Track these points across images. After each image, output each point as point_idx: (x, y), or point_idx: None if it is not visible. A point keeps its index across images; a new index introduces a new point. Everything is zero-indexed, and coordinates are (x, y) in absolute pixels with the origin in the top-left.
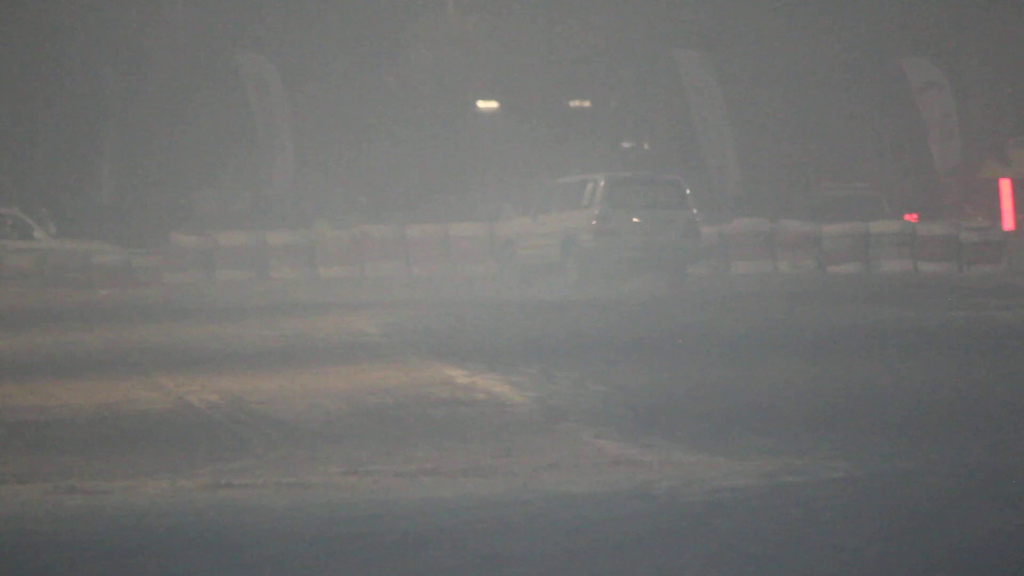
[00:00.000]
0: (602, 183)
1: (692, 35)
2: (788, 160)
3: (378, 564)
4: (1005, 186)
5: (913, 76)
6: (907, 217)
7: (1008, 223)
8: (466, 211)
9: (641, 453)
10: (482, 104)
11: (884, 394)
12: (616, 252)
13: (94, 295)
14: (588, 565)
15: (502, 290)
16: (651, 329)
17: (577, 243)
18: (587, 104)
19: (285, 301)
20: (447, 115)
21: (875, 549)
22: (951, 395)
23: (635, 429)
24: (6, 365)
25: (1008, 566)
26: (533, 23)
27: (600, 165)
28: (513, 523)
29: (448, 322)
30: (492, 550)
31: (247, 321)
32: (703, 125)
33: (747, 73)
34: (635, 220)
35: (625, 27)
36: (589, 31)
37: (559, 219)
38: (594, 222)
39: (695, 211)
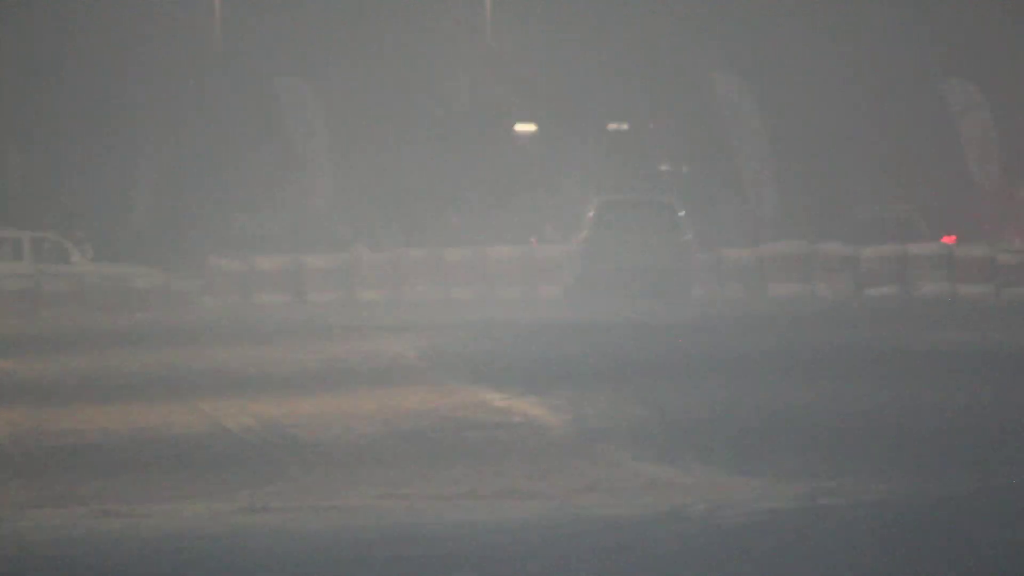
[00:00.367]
0: (593, 207)
1: (730, 58)
2: (826, 182)
3: None
4: None
5: (952, 98)
6: (945, 239)
7: None
8: (505, 233)
9: (677, 475)
10: (520, 127)
11: (920, 415)
12: (604, 275)
13: (131, 319)
14: None
15: (537, 312)
16: (683, 351)
17: (570, 266)
18: (625, 127)
19: (322, 324)
20: (485, 138)
21: (914, 573)
22: (988, 417)
23: (671, 450)
24: (44, 389)
25: None
26: (571, 46)
27: (638, 188)
28: (549, 546)
29: (484, 345)
30: (528, 573)
31: (284, 344)
32: (741, 148)
33: (785, 96)
34: (624, 243)
35: (664, 50)
36: (627, 54)
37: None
38: (582, 246)
39: (689, 234)
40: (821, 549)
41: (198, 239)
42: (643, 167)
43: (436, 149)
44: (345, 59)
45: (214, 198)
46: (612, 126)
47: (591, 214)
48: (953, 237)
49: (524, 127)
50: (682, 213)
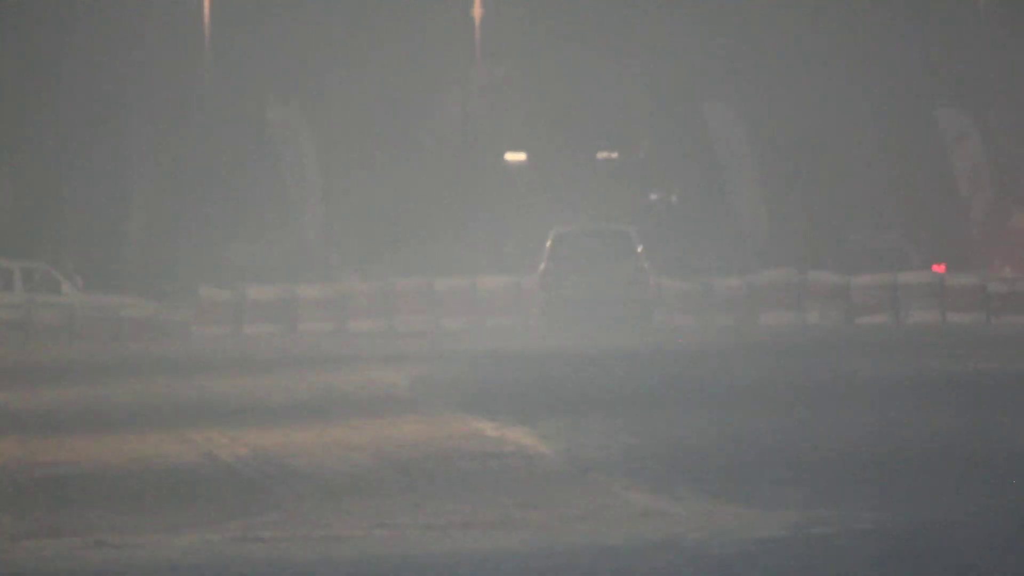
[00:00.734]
0: (550, 238)
1: (720, 87)
2: (816, 211)
3: None
4: None
5: (945, 127)
6: (935, 267)
7: None
8: (495, 263)
9: (670, 504)
10: (510, 156)
11: (910, 443)
12: (559, 304)
13: (122, 349)
14: None
15: (528, 342)
16: (673, 380)
17: (531, 296)
18: (615, 156)
19: (314, 354)
20: (476, 166)
21: None
22: (978, 445)
23: (663, 480)
24: (35, 419)
25: None
26: (561, 75)
27: (626, 217)
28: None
29: (476, 374)
30: None
31: (276, 375)
32: (731, 177)
33: (775, 125)
34: (579, 273)
35: (653, 79)
36: (617, 83)
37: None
38: (540, 277)
39: (645, 262)
40: None
41: (189, 269)
42: (632, 196)
43: (427, 178)
44: (337, 88)
45: (205, 228)
46: (602, 155)
47: (548, 244)
48: (943, 266)
49: (515, 156)
50: (638, 242)
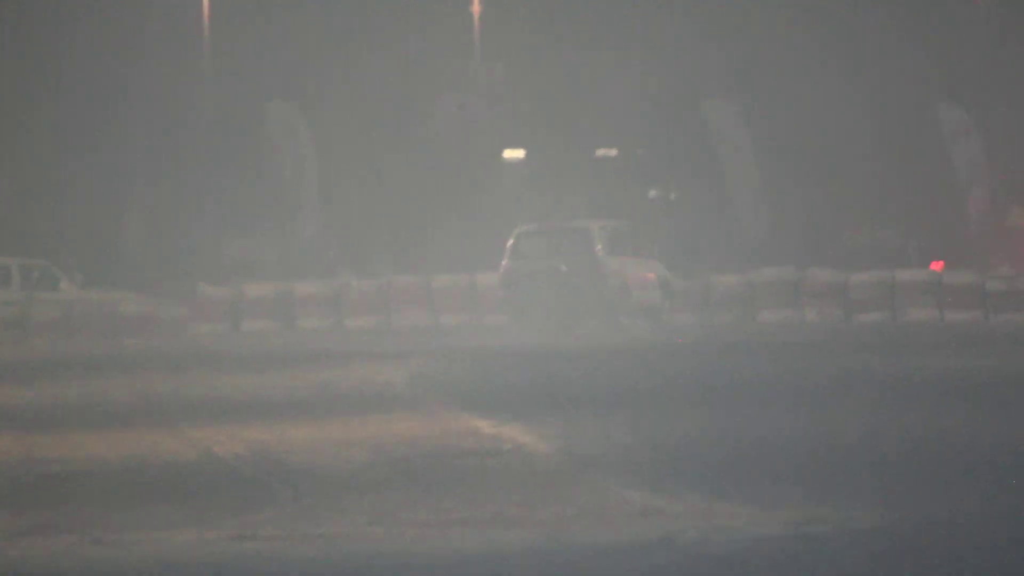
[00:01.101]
0: (512, 237)
1: (720, 84)
2: (815, 208)
3: None
4: None
5: (945, 123)
6: (933, 265)
7: None
8: (492, 261)
9: (666, 503)
10: (509, 153)
11: (908, 442)
12: (519, 302)
13: (120, 346)
14: None
15: (527, 339)
16: (671, 377)
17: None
18: (614, 153)
19: (311, 351)
20: (474, 164)
21: None
22: (976, 443)
23: (660, 478)
24: (32, 416)
25: None
26: (560, 73)
27: (625, 214)
28: (540, 574)
29: (474, 372)
30: None
31: (273, 371)
32: (731, 174)
33: (775, 122)
34: (536, 271)
35: (652, 77)
36: (616, 81)
37: None
38: (500, 275)
39: (606, 258)
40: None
41: (187, 266)
42: (631, 193)
43: (425, 176)
44: (335, 85)
45: (203, 225)
46: (601, 152)
47: (509, 243)
48: (941, 264)
49: (513, 153)
50: (599, 239)
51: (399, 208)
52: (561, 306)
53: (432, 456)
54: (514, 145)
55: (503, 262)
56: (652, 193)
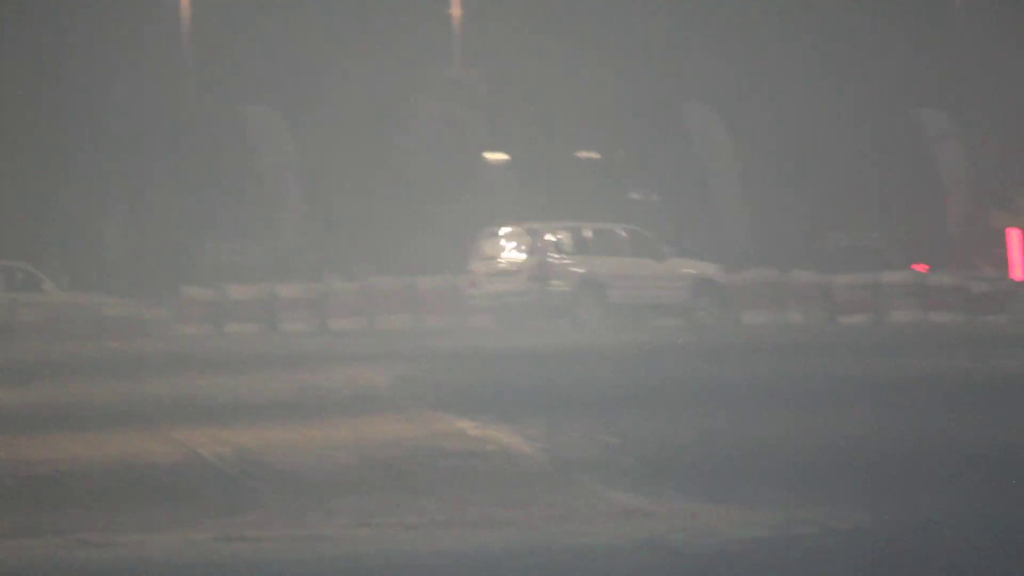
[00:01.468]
0: (477, 238)
1: (701, 87)
2: (798, 211)
3: None
4: (1013, 236)
5: (927, 127)
6: (916, 267)
7: (1017, 273)
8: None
9: (652, 504)
10: (490, 156)
11: (892, 444)
12: (477, 301)
13: (104, 348)
14: None
15: (511, 340)
16: (655, 379)
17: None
18: (595, 156)
19: (295, 353)
20: (455, 166)
21: None
22: (959, 445)
23: (645, 479)
24: (16, 418)
25: None
26: (540, 75)
27: (608, 217)
28: (524, 575)
29: (458, 373)
30: None
31: (257, 374)
32: (713, 176)
33: (756, 125)
34: (490, 272)
35: (634, 80)
36: (598, 83)
37: None
38: (465, 276)
39: (550, 256)
40: None
41: (170, 268)
42: (613, 196)
43: (407, 178)
44: (315, 87)
45: (187, 228)
46: (582, 155)
47: (475, 244)
48: (925, 266)
49: (494, 156)
50: (553, 239)
51: (381, 210)
52: (509, 305)
53: (416, 458)
54: (495, 148)
55: (470, 263)
56: (634, 195)
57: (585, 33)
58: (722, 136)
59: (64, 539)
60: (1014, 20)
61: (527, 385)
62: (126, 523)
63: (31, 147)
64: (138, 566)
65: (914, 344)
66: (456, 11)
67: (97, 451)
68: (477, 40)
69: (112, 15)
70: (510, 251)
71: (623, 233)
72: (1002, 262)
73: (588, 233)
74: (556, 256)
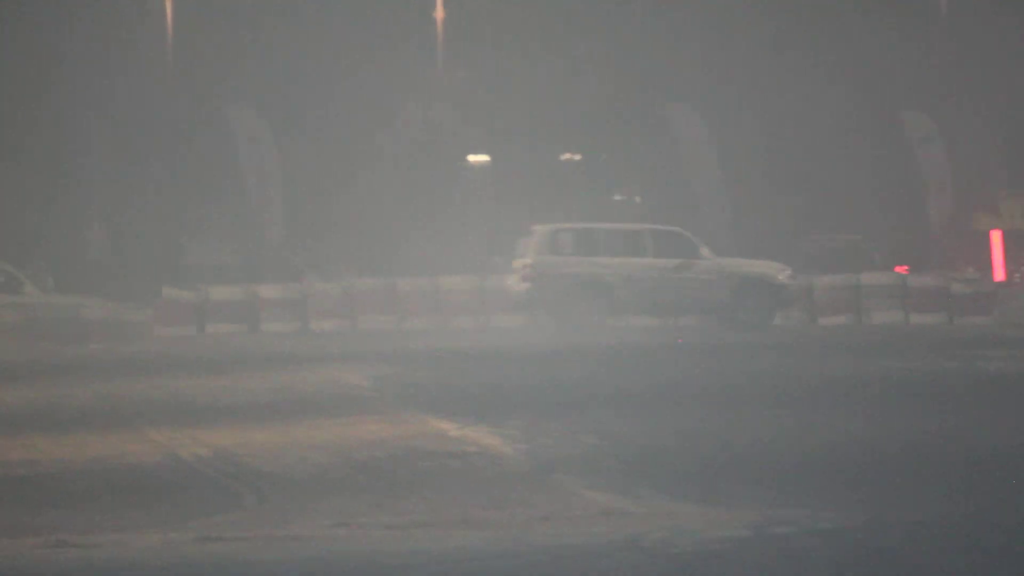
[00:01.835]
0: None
1: (684, 88)
2: (781, 212)
3: None
4: (996, 237)
5: (910, 129)
6: (898, 269)
7: (999, 274)
8: (456, 264)
9: (631, 504)
10: (473, 158)
11: (873, 445)
12: (523, 296)
13: (84, 349)
14: None
15: (491, 341)
16: (636, 379)
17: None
18: (578, 157)
19: (276, 354)
20: (438, 169)
21: None
22: (940, 446)
23: (625, 480)
24: None
25: None
26: (524, 77)
27: (591, 218)
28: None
29: (438, 374)
30: None
31: (237, 374)
32: (695, 177)
33: (739, 126)
34: (507, 271)
35: (617, 81)
36: (581, 85)
37: None
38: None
39: (530, 258)
40: None
41: (151, 270)
42: (596, 197)
43: (389, 180)
44: (297, 88)
45: (168, 229)
46: (565, 156)
47: (518, 243)
48: (906, 267)
49: (477, 158)
50: (544, 241)
51: (364, 212)
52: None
53: (396, 458)
54: (478, 150)
55: (527, 258)
56: (617, 197)
57: (567, 35)
58: (705, 137)
59: (43, 540)
60: (998, 22)
61: (508, 385)
62: (105, 524)
63: (15, 150)
64: (117, 567)
65: (895, 345)
66: (440, 14)
67: (77, 452)
68: (462, 43)
69: (96, 17)
70: (526, 249)
71: (652, 233)
72: (985, 264)
73: (607, 233)
74: (556, 256)
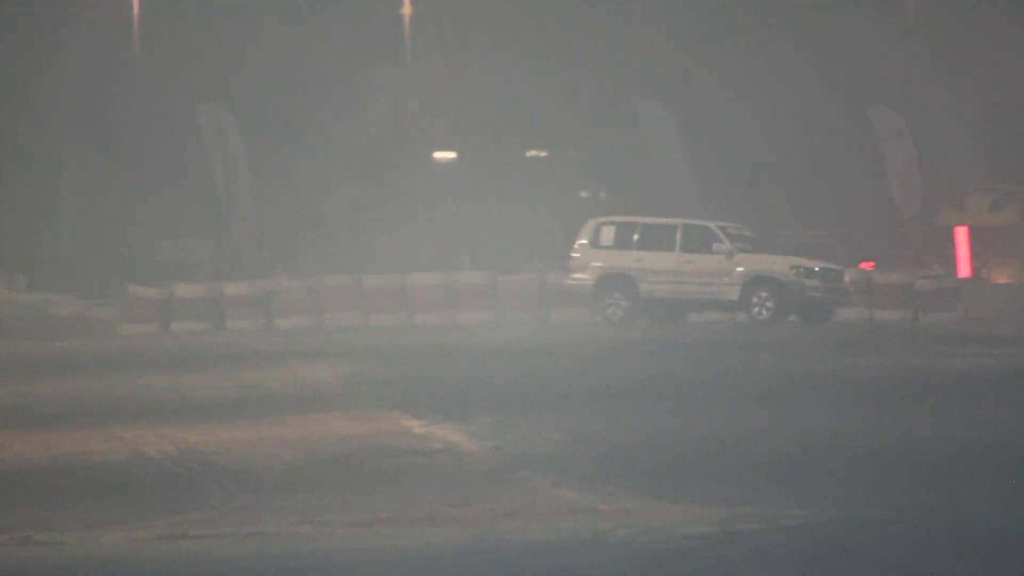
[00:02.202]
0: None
1: (653, 85)
2: (746, 208)
3: None
4: (961, 233)
5: (878, 124)
6: (863, 265)
7: (964, 271)
8: (424, 261)
9: (598, 501)
10: (439, 155)
11: (838, 441)
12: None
13: (50, 347)
14: None
15: (457, 338)
16: (602, 377)
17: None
18: (545, 154)
19: (242, 352)
20: (405, 165)
21: None
22: (904, 442)
23: (592, 477)
24: None
25: None
26: (492, 73)
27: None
28: (471, 573)
29: (405, 371)
30: None
31: (204, 372)
32: (664, 173)
33: (707, 122)
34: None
35: (585, 77)
36: (548, 81)
37: None
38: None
39: (576, 251)
40: (740, 572)
41: (118, 267)
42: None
43: (357, 177)
44: (265, 85)
45: (135, 226)
46: (531, 153)
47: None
48: (872, 263)
49: (443, 155)
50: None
51: (331, 209)
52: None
53: (363, 456)
54: (446, 146)
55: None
56: (583, 193)
57: (536, 31)
58: (674, 133)
59: (9, 537)
60: (964, 17)
61: (475, 383)
62: (71, 521)
63: None
64: (84, 564)
65: (859, 342)
66: (408, 10)
67: (43, 450)
68: (429, 39)
69: (65, 15)
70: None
71: (684, 228)
72: (950, 260)
73: (645, 227)
74: (596, 249)
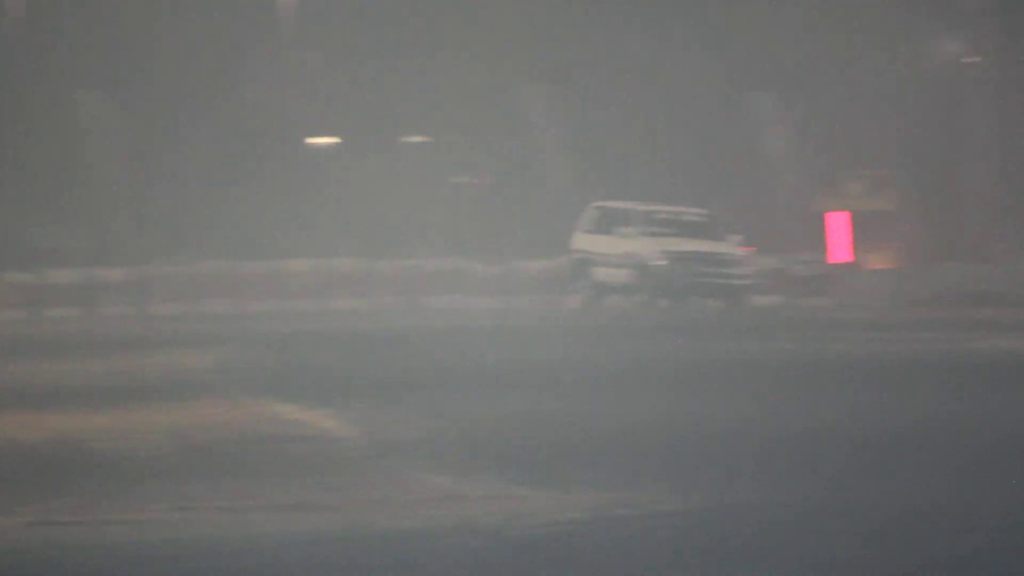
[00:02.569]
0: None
1: (535, 70)
2: (627, 190)
3: None
4: (834, 220)
5: (755, 110)
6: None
7: (837, 256)
8: (300, 248)
9: (470, 487)
10: (316, 140)
11: (718, 429)
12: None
13: None
14: None
15: (332, 324)
16: (482, 362)
17: None
18: (426, 140)
19: (115, 338)
20: (282, 151)
21: None
22: (785, 429)
23: (464, 463)
24: None
25: None
26: (370, 58)
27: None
28: (337, 561)
29: (278, 358)
30: None
31: (75, 358)
32: (545, 159)
33: (590, 106)
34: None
35: (466, 62)
36: (429, 66)
37: None
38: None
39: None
40: (613, 558)
41: None
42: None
43: (234, 163)
44: (142, 71)
45: (10, 212)
46: (412, 139)
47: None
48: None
49: (322, 140)
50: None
51: (207, 194)
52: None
53: (234, 442)
54: (326, 132)
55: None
56: (457, 180)
57: (417, 17)
58: (555, 118)
59: None
60: (843, 4)
61: (350, 369)
62: None
63: None
64: None
65: (732, 327)
66: None
67: None
68: (307, 23)
69: None
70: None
71: (680, 214)
72: (823, 247)
73: (640, 213)
74: (587, 234)
